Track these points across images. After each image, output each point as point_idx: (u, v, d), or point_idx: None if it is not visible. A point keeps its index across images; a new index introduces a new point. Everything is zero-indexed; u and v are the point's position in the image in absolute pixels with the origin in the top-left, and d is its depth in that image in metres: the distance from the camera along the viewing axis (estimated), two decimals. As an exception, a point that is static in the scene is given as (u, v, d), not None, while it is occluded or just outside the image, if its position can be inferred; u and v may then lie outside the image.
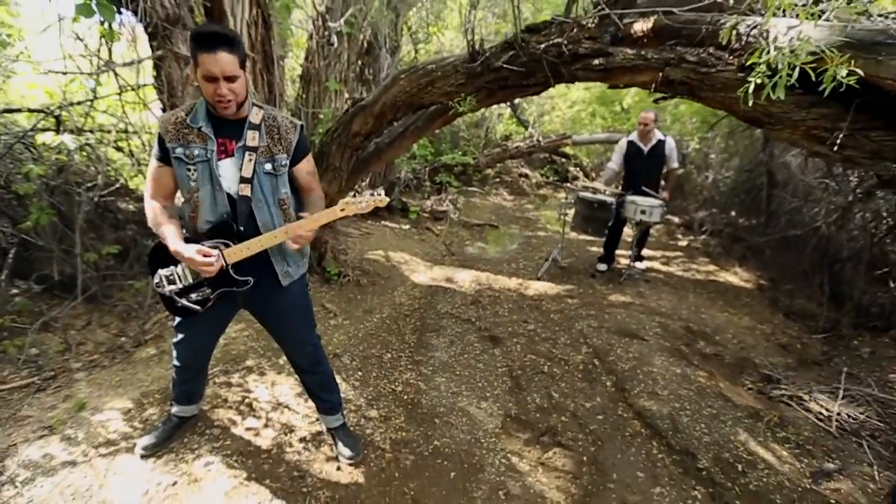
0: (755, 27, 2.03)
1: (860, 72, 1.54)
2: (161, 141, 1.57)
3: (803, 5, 1.81)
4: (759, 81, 1.78)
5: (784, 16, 1.98)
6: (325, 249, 4.05)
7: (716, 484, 2.16)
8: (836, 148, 1.91)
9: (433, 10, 6.60)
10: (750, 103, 1.80)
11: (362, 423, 2.39)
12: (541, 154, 10.45)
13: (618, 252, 4.82)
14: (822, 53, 1.63)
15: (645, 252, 5.37)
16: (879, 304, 3.62)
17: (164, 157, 1.58)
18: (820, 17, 1.87)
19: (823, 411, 2.68)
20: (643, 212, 4.11)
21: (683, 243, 6.08)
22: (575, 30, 2.44)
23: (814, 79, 1.59)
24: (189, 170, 1.56)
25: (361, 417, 2.43)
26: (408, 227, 5.96)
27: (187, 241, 1.57)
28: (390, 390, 2.69)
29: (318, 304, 3.57)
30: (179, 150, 1.55)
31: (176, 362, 1.95)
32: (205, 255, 1.52)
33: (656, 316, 3.78)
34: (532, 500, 2.01)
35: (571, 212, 4.74)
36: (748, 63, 1.83)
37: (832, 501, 2.08)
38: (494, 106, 10.77)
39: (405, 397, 2.64)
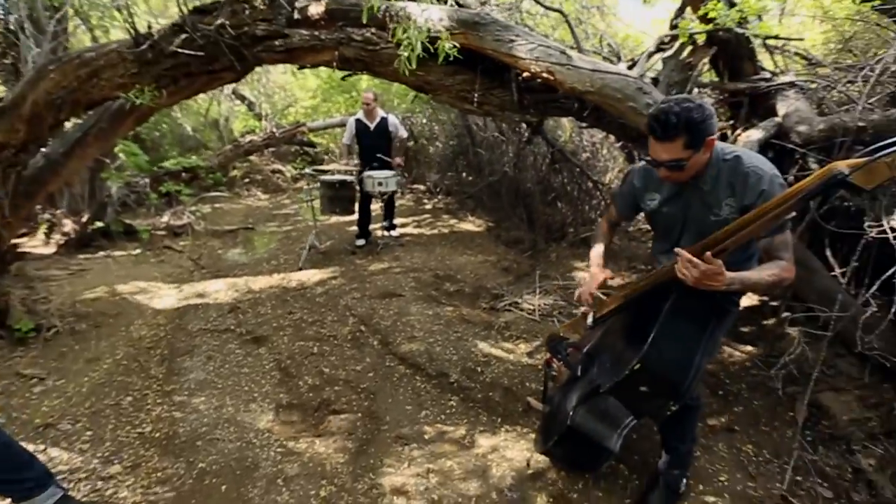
0: (400, 10, 2.40)
1: (457, 44, 2.00)
2: None
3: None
4: (406, 54, 2.13)
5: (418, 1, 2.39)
6: (4, 303, 3.10)
7: (463, 389, 2.64)
8: (477, 105, 2.44)
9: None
10: (407, 73, 2.14)
11: (99, 486, 2.00)
12: (291, 147, 10.18)
13: (373, 226, 5.17)
14: (439, 31, 2.05)
15: (397, 220, 5.91)
16: (555, 221, 4.91)
17: None
18: (443, 1, 2.34)
19: (530, 307, 3.54)
20: (380, 183, 4.48)
21: (429, 206, 6.91)
22: (247, 11, 2.42)
23: (432, 50, 1.99)
24: None
25: (97, 481, 2.03)
26: (139, 251, 5.04)
27: None
28: (136, 435, 2.31)
29: (9, 373, 2.75)
30: None
31: None
32: None
33: (411, 273, 4.24)
34: (312, 472, 2.06)
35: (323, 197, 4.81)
36: (395, 39, 2.15)
37: (540, 367, 2.79)
38: (229, 102, 9.90)
39: (157, 435, 2.31)
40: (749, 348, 2.93)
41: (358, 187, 4.77)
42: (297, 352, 3.01)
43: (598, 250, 1.81)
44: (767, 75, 2.78)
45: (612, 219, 1.88)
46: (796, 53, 3.09)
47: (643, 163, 1.62)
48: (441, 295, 3.81)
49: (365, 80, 8.84)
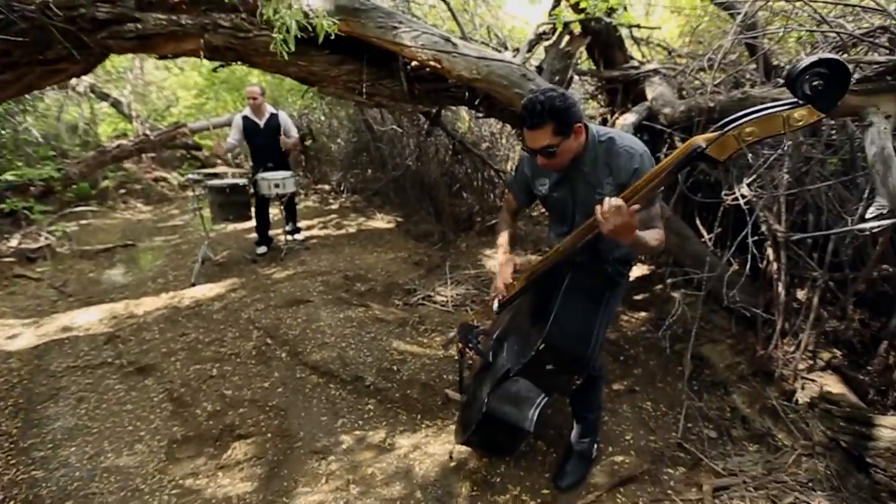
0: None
1: (335, 21, 1.88)
2: None
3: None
4: (281, 36, 1.96)
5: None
6: None
7: (380, 390, 2.55)
8: (367, 96, 2.34)
9: None
10: (287, 60, 1.97)
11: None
12: (176, 151, 9.18)
13: (274, 231, 4.83)
14: (314, 16, 1.91)
15: (302, 223, 5.59)
16: (462, 211, 4.98)
17: None
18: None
19: (443, 298, 3.53)
20: (277, 185, 4.18)
21: (335, 206, 6.64)
22: (83, -8, 2.06)
23: (310, 30, 1.86)
24: None
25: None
26: (-21, 284, 4.19)
27: None
28: (-17, 507, 1.90)
29: None
30: None
31: None
32: None
33: (319, 276, 4.02)
34: (215, 509, 1.85)
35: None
36: (265, 17, 1.97)
37: (455, 356, 2.79)
38: (90, 103, 8.61)
39: None
40: (643, 314, 3.21)
41: (252, 191, 4.41)
42: (192, 377, 2.70)
43: (503, 238, 1.84)
44: (636, 64, 3.04)
45: (511, 207, 1.91)
46: (658, 44, 3.42)
47: None
48: (352, 296, 3.66)
49: (257, 76, 8.25)
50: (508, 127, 4.84)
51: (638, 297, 3.40)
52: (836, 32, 1.81)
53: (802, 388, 2.20)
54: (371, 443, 2.23)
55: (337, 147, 7.62)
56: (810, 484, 1.91)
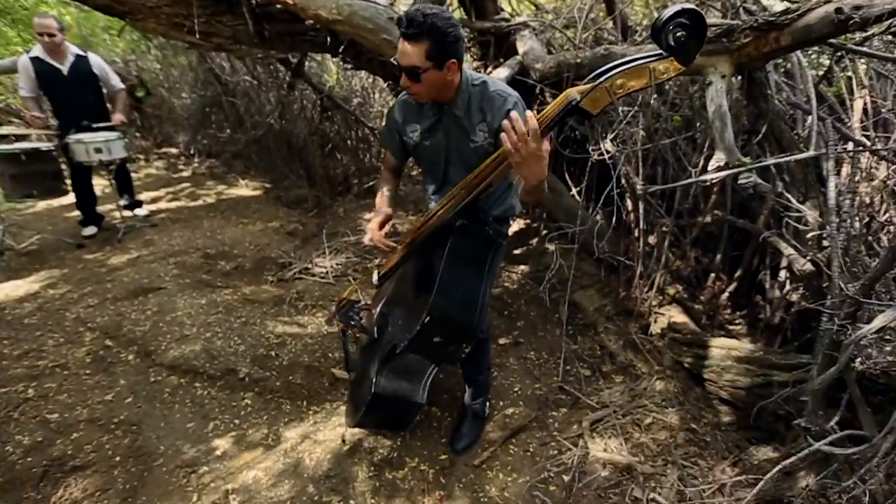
0: None
1: None
2: None
3: None
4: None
5: None
6: None
7: (258, 381, 2.28)
8: (202, 36, 1.90)
9: None
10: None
11: None
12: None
13: (107, 207, 3.97)
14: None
15: (145, 195, 4.72)
16: (337, 174, 4.63)
17: None
18: None
19: (322, 270, 3.28)
20: (98, 150, 3.37)
21: (187, 173, 5.71)
22: None
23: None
24: None
25: None
26: None
27: None
28: None
29: None
30: None
31: None
32: None
33: (171, 258, 3.43)
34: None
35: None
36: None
37: (340, 333, 2.61)
38: None
39: None
40: (523, 267, 3.35)
41: (65, 158, 3.51)
42: (-4, 404, 2.11)
43: (381, 198, 1.67)
44: (507, 16, 2.98)
45: (390, 164, 1.74)
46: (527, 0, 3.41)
47: (403, 96, 1.51)
48: (215, 277, 3.20)
49: (54, 6, 6.51)
50: (381, 80, 4.53)
51: (517, 252, 3.54)
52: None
53: (655, 321, 2.51)
54: (251, 442, 1.99)
55: (182, 102, 6.47)
56: (664, 403, 2.20)
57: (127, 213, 4.09)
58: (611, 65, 1.10)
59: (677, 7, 1.00)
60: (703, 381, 2.21)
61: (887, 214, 1.96)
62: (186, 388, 2.26)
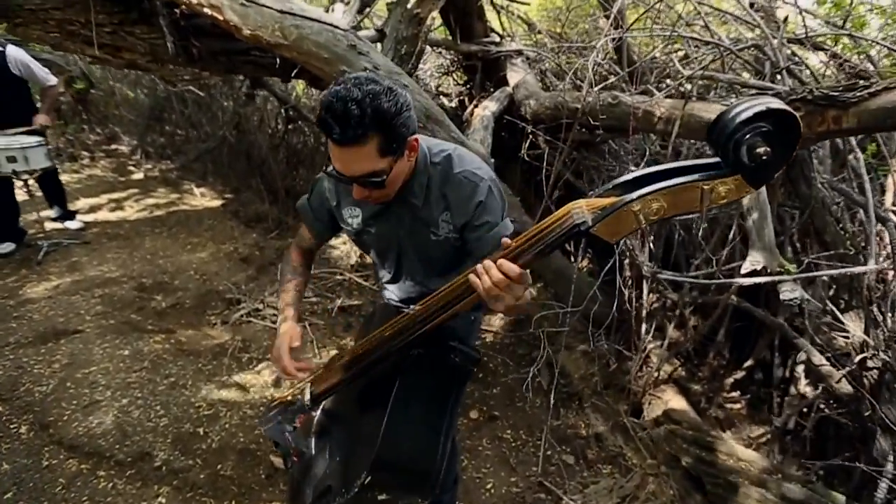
0: None
1: None
2: None
3: None
4: None
5: None
6: None
7: (177, 472, 1.88)
8: (108, 51, 1.48)
9: None
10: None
11: None
12: None
13: (29, 219, 3.45)
14: None
15: (81, 202, 4.20)
16: (302, 189, 4.19)
17: None
18: None
19: (274, 312, 2.87)
20: (11, 159, 2.87)
21: (138, 175, 5.17)
22: None
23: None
24: None
25: None
26: None
27: None
28: None
29: None
30: None
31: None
32: None
33: (98, 289, 2.96)
34: None
35: None
36: None
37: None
38: None
39: None
40: (497, 321, 3.02)
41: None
42: None
43: (287, 297, 1.24)
44: (497, 39, 2.64)
45: (305, 243, 1.31)
46: (519, 17, 3.07)
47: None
48: (147, 318, 2.75)
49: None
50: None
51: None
52: (715, 43, 1.62)
53: (649, 403, 2.22)
54: (158, 562, 1.59)
55: (135, 96, 5.88)
56: (655, 505, 1.91)
57: (56, 224, 3.59)
58: (642, 172, 0.76)
59: (760, 105, 0.65)
60: (705, 488, 1.92)
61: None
62: (86, 477, 1.83)
